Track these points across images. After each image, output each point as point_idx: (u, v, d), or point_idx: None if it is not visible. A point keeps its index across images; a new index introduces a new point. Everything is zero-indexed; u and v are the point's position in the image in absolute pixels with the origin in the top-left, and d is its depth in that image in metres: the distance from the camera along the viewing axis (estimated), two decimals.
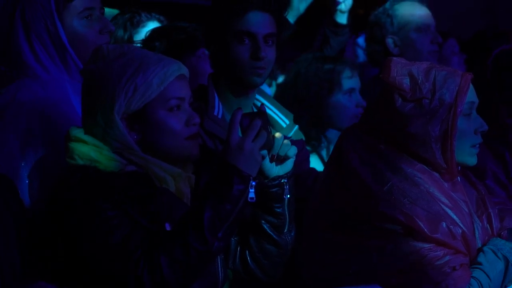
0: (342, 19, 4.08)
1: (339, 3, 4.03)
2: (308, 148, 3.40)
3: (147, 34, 3.45)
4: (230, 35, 2.80)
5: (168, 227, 2.28)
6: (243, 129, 2.31)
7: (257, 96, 2.94)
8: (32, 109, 2.60)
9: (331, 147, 3.29)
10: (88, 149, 2.33)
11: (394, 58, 2.52)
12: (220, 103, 2.84)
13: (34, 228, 2.36)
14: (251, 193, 2.29)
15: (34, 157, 2.56)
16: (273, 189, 2.42)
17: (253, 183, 2.30)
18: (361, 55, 5.18)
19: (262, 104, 2.82)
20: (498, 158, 3.11)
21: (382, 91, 2.53)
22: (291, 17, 3.99)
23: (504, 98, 3.13)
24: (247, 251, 2.49)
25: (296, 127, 2.97)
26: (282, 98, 3.33)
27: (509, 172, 3.11)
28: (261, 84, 2.88)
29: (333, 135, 3.49)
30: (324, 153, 3.50)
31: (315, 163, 3.39)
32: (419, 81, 2.46)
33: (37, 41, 2.67)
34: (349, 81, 3.53)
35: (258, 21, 2.80)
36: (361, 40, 5.35)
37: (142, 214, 2.25)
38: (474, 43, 5.62)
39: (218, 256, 2.37)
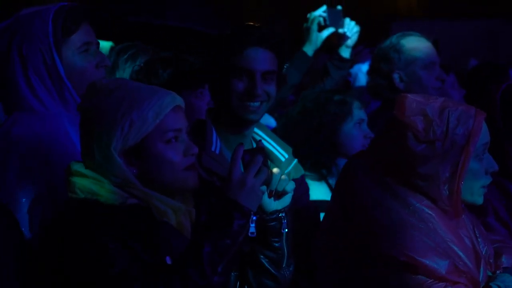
0: (346, 53, 4.11)
1: (347, 37, 4.06)
2: (317, 175, 3.37)
3: (151, 57, 3.46)
4: (229, 71, 2.82)
5: (168, 261, 2.28)
6: (245, 165, 2.34)
7: (256, 130, 2.95)
8: (28, 144, 2.60)
9: None
10: (89, 183, 2.33)
11: (408, 95, 2.51)
12: (218, 138, 2.85)
13: (34, 261, 2.35)
14: (252, 228, 2.34)
15: (33, 192, 2.56)
16: (271, 223, 2.44)
17: (254, 218, 2.35)
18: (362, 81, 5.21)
19: (260, 140, 2.83)
20: (503, 194, 3.09)
21: (393, 127, 2.51)
22: (310, 51, 4.03)
23: (508, 131, 3.11)
24: (246, 286, 2.49)
25: (295, 161, 2.98)
26: (286, 134, 3.33)
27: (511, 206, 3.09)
28: (258, 120, 2.90)
29: (343, 164, 3.51)
30: (333, 181, 3.51)
31: (323, 191, 3.41)
32: (433, 122, 2.45)
33: (34, 75, 2.68)
34: (359, 112, 3.58)
35: (257, 58, 2.81)
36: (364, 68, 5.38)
37: (142, 248, 2.25)
38: (472, 78, 5.64)
39: None
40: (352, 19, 4.25)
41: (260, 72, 2.81)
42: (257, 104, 2.82)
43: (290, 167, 2.93)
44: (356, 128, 3.55)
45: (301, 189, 2.90)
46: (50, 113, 2.68)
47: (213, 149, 2.82)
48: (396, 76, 4.03)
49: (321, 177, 3.50)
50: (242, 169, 2.35)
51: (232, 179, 2.31)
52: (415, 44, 4.06)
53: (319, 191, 3.33)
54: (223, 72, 2.83)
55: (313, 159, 3.45)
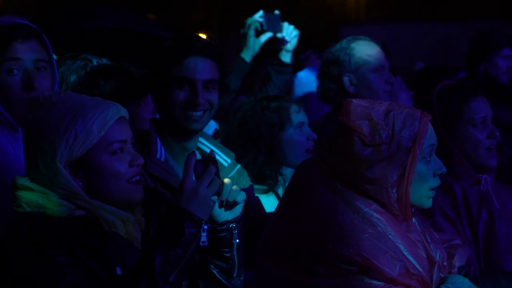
0: (287, 58, 4.11)
1: (286, 42, 4.06)
2: (264, 187, 3.36)
3: (93, 68, 3.43)
4: (170, 81, 2.81)
5: (119, 271, 2.28)
6: (197, 175, 2.35)
7: (200, 139, 2.96)
8: None
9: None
10: (35, 196, 2.32)
11: (354, 100, 2.51)
12: (162, 147, 2.85)
13: None
14: (203, 237, 2.33)
15: None
16: (222, 234, 2.44)
17: (205, 227, 2.34)
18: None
19: (212, 150, 2.83)
20: (446, 191, 3.13)
21: (340, 132, 2.52)
22: (247, 57, 4.01)
23: (447, 126, 3.16)
24: None
25: (238, 166, 2.99)
26: (228, 144, 3.32)
27: (458, 205, 3.13)
28: (201, 129, 2.90)
29: (288, 172, 3.48)
30: (280, 191, 3.50)
31: (272, 202, 3.39)
32: (378, 126, 2.46)
33: None
34: (298, 115, 3.55)
35: (197, 67, 2.82)
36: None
37: (92, 260, 2.24)
38: (420, 79, 5.71)
39: None
40: (301, 24, 4.25)
41: (201, 81, 2.82)
42: (199, 113, 2.82)
43: (234, 172, 2.94)
44: (297, 132, 3.52)
45: (253, 203, 2.92)
46: None
47: (158, 156, 2.81)
48: (346, 79, 4.04)
49: (268, 189, 3.47)
50: (194, 178, 2.35)
51: (185, 188, 2.32)
52: (365, 48, 4.07)
53: (268, 204, 3.29)
54: (164, 83, 2.82)
55: (257, 171, 3.43)
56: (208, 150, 2.89)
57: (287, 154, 3.51)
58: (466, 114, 3.15)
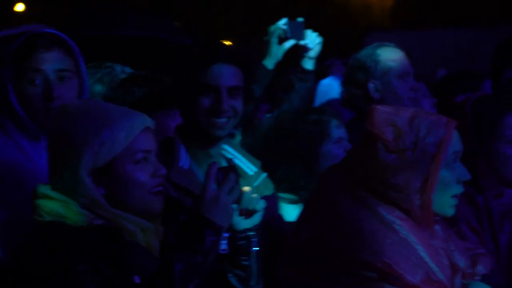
0: (310, 65, 4.10)
1: (309, 49, 4.05)
2: (294, 197, 3.36)
3: (128, 76, 3.45)
4: (196, 88, 2.81)
5: (137, 280, 2.27)
6: (218, 183, 2.36)
7: (224, 146, 2.94)
8: None
9: None
10: (55, 205, 2.32)
11: (378, 106, 2.51)
12: (186, 155, 2.84)
13: (5, 285, 2.32)
14: (224, 245, 2.35)
15: (3, 216, 2.56)
16: (241, 242, 2.45)
17: (226, 235, 2.35)
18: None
19: (232, 158, 2.83)
20: (469, 202, 3.10)
21: (364, 139, 2.51)
22: (270, 64, 4.01)
23: (478, 139, 3.13)
24: None
25: (264, 174, 2.97)
26: (256, 151, 3.30)
27: (481, 216, 3.10)
28: (225, 136, 2.89)
29: None
30: None
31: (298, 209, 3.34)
32: (402, 132, 2.45)
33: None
34: (338, 130, 3.51)
35: (222, 74, 2.81)
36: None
37: (111, 268, 2.24)
38: (444, 86, 5.67)
39: None
40: (324, 31, 4.24)
41: (226, 88, 2.81)
42: (223, 120, 2.81)
43: (259, 181, 2.91)
44: (335, 147, 3.46)
45: (271, 204, 2.88)
46: (9, 142, 2.69)
47: (181, 164, 2.81)
48: (371, 85, 4.01)
49: (298, 200, 3.41)
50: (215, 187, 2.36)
51: (206, 196, 2.33)
52: (391, 54, 4.05)
53: (295, 214, 3.23)
54: (190, 90, 2.82)
55: (290, 183, 3.38)
56: (233, 158, 2.88)
57: (324, 167, 3.49)
58: (499, 129, 3.11)
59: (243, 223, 2.44)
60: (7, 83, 2.71)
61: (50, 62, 2.76)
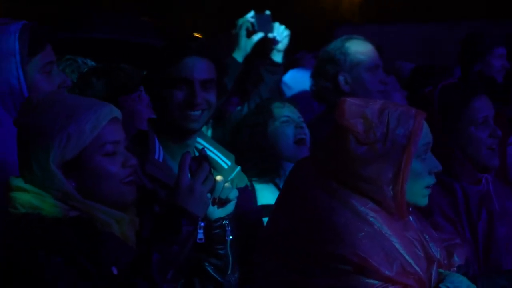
0: (278, 58, 4.11)
1: (278, 42, 4.06)
2: (263, 179, 3.42)
3: (85, 69, 3.45)
4: (168, 81, 2.81)
5: (115, 271, 2.28)
6: (192, 172, 2.37)
7: (198, 139, 2.95)
8: None
9: None
10: (29, 197, 2.31)
11: (348, 98, 2.51)
12: (160, 147, 2.84)
13: None
14: (200, 234, 2.37)
15: None
16: (215, 231, 2.46)
17: (202, 224, 2.37)
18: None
19: (203, 148, 2.83)
20: (446, 191, 3.11)
21: (335, 131, 2.51)
22: (239, 57, 4.01)
23: (448, 126, 3.14)
24: None
25: (238, 168, 2.98)
26: (227, 144, 3.34)
27: (458, 205, 3.11)
28: (199, 129, 2.90)
29: (289, 167, 3.50)
30: (281, 183, 3.50)
31: (274, 194, 3.38)
32: (372, 124, 2.45)
33: None
34: (281, 110, 3.59)
35: (195, 67, 2.81)
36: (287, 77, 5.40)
37: (88, 260, 2.24)
38: (413, 79, 5.72)
39: None
40: (295, 25, 4.24)
41: (199, 80, 2.81)
42: (197, 113, 2.82)
43: (233, 174, 2.93)
44: (283, 126, 3.56)
45: (245, 196, 2.91)
46: (6, 131, 2.64)
47: (156, 157, 2.81)
48: (341, 78, 4.02)
49: (269, 180, 3.50)
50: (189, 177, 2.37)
51: (181, 186, 2.34)
52: (360, 47, 4.06)
53: (268, 194, 3.35)
54: (162, 83, 2.82)
55: (257, 169, 3.46)
56: (207, 151, 2.88)
57: (276, 147, 3.54)
58: (467, 114, 3.12)
59: (217, 212, 2.45)
60: (19, 72, 2.65)
61: None
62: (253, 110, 3.67)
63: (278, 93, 4.43)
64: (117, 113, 2.41)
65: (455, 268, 2.60)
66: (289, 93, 5.31)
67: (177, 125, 2.82)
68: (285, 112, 3.59)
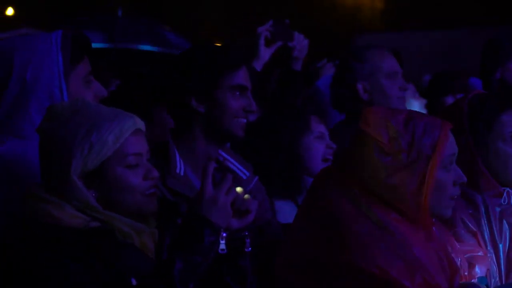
0: (297, 66, 4.10)
1: (296, 50, 4.06)
2: (283, 195, 3.36)
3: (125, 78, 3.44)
4: (223, 89, 2.80)
5: (133, 282, 2.27)
6: (215, 183, 2.37)
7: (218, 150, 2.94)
8: (14, 170, 2.53)
9: None
10: (49, 207, 2.30)
11: (373, 108, 2.51)
12: (181, 160, 2.81)
13: None
14: (222, 245, 2.35)
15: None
16: (235, 243, 2.45)
17: (224, 235, 2.35)
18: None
19: (225, 159, 2.83)
20: (469, 204, 3.08)
21: (358, 140, 2.50)
22: (258, 66, 4.01)
23: (476, 138, 3.11)
24: None
25: (256, 178, 2.97)
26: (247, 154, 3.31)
27: (480, 217, 3.09)
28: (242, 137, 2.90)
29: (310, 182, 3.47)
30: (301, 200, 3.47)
31: (292, 211, 3.35)
32: (398, 134, 2.44)
33: (35, 103, 2.60)
34: (318, 125, 3.56)
35: (247, 75, 2.85)
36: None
37: (106, 270, 2.23)
38: (433, 87, 5.68)
39: None
40: (315, 34, 4.25)
41: (250, 88, 2.86)
42: (245, 120, 2.84)
43: (252, 185, 2.92)
44: (316, 142, 3.51)
45: (264, 207, 2.90)
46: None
47: (177, 171, 2.79)
48: (360, 86, 4.01)
49: (289, 196, 3.44)
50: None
51: (204, 196, 2.33)
52: (378, 54, 4.05)
53: (287, 212, 3.28)
54: (214, 91, 2.79)
55: (279, 180, 3.40)
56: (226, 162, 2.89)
57: (306, 159, 3.50)
58: (496, 127, 3.08)
59: (236, 224, 2.44)
60: (61, 82, 2.61)
61: None
62: (286, 113, 3.57)
63: (297, 101, 4.41)
64: (140, 124, 2.39)
65: (476, 279, 2.59)
66: (324, 99, 5.29)
67: (225, 132, 2.81)
68: (321, 129, 3.55)
